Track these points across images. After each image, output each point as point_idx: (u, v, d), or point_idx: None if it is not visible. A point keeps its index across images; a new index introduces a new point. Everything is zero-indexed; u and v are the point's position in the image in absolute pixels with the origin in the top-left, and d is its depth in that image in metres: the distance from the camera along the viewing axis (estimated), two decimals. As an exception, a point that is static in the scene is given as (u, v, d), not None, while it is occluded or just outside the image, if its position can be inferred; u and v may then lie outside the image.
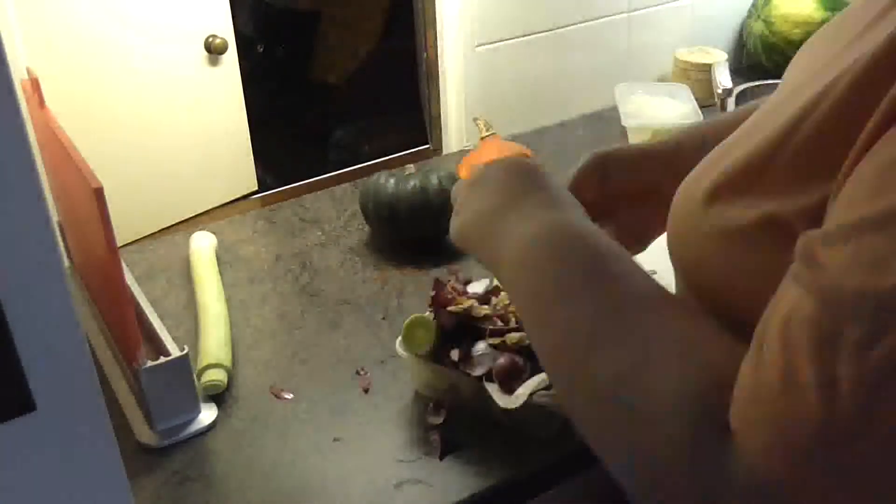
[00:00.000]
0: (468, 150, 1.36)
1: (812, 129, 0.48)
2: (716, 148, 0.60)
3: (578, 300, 0.54)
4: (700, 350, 0.48)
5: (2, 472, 0.45)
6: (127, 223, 1.15)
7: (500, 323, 0.82)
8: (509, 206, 0.63)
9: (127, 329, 0.77)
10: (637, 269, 0.56)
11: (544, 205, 0.62)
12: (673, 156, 0.77)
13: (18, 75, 0.93)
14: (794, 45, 1.54)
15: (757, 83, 1.43)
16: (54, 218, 1.03)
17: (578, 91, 1.53)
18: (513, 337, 0.80)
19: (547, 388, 0.76)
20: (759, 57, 1.62)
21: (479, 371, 0.79)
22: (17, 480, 0.46)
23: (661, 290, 0.55)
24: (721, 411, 0.44)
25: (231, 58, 1.19)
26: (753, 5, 1.64)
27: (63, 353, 0.44)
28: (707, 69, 1.49)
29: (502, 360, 0.78)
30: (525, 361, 0.78)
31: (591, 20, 1.49)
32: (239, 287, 1.07)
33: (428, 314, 0.84)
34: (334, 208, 1.25)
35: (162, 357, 0.80)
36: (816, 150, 0.47)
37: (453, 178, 1.12)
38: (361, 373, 0.91)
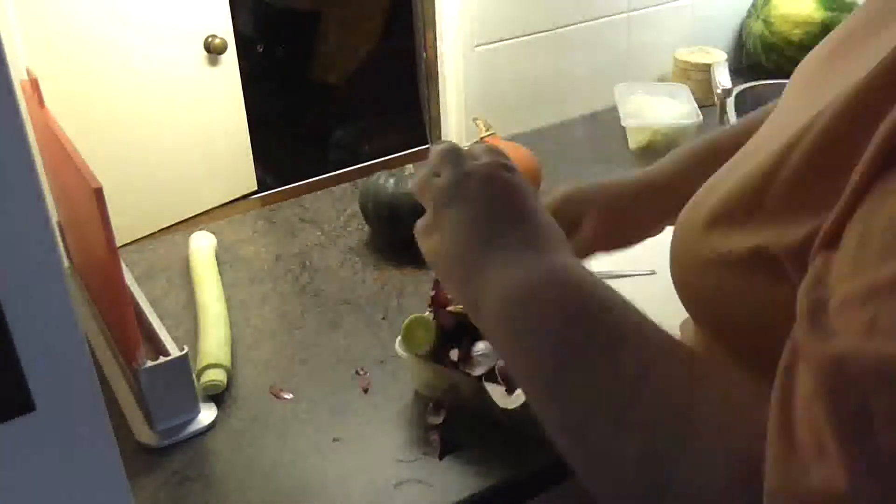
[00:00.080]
0: (468, 150, 1.36)
1: (799, 162, 0.46)
2: (719, 171, 0.59)
3: (591, 372, 0.48)
4: (741, 420, 0.44)
5: (2, 472, 0.45)
6: (127, 223, 1.15)
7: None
8: (493, 241, 0.56)
9: (127, 329, 0.77)
10: (647, 322, 0.50)
11: (531, 244, 0.56)
12: (645, 190, 0.80)
13: (18, 75, 0.93)
14: (793, 45, 1.54)
15: (757, 83, 1.43)
16: (54, 218, 1.03)
17: (578, 91, 1.53)
18: None
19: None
20: (759, 57, 1.62)
21: (478, 371, 0.79)
22: (17, 480, 0.46)
23: (680, 346, 0.50)
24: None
25: (231, 58, 1.19)
26: (753, 5, 1.64)
27: (63, 353, 0.44)
28: (707, 69, 1.49)
29: (502, 360, 0.78)
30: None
31: (591, 20, 1.49)
32: (239, 287, 1.07)
33: (428, 314, 0.84)
34: (334, 208, 1.25)
35: (162, 357, 0.80)
36: (803, 184, 0.46)
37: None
38: (361, 373, 0.91)
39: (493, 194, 0.58)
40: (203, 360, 0.89)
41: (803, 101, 0.55)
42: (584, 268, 0.54)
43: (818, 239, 0.43)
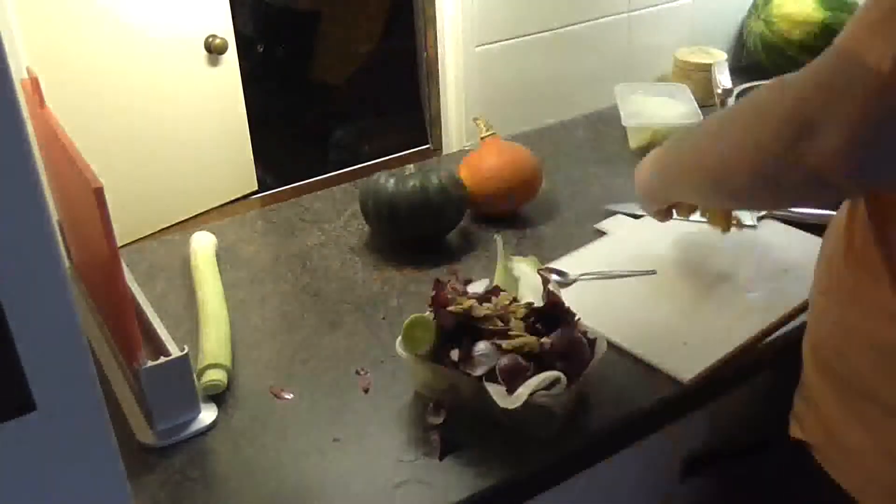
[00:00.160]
0: (468, 150, 1.36)
1: None
2: None
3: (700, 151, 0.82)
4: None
5: (2, 472, 0.45)
6: (128, 223, 1.15)
7: (500, 323, 0.82)
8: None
9: (127, 329, 0.77)
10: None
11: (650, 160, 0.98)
12: None
13: (18, 75, 0.93)
14: (793, 45, 1.54)
15: (757, 83, 1.43)
16: (54, 218, 1.03)
17: (578, 91, 1.53)
18: (513, 343, 0.80)
19: (547, 388, 0.77)
20: (759, 56, 1.62)
21: (479, 371, 0.79)
22: (17, 480, 0.46)
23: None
24: None
25: (231, 58, 1.19)
26: (753, 5, 1.64)
27: (63, 353, 0.44)
28: (707, 69, 1.50)
29: (506, 359, 0.78)
30: (527, 361, 0.78)
31: (592, 20, 1.49)
32: (239, 287, 1.07)
33: (428, 314, 0.84)
34: (334, 208, 1.25)
35: (162, 357, 0.80)
36: None
37: (453, 178, 1.12)
38: (361, 373, 0.91)
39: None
40: (203, 360, 0.89)
41: None
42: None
43: None
